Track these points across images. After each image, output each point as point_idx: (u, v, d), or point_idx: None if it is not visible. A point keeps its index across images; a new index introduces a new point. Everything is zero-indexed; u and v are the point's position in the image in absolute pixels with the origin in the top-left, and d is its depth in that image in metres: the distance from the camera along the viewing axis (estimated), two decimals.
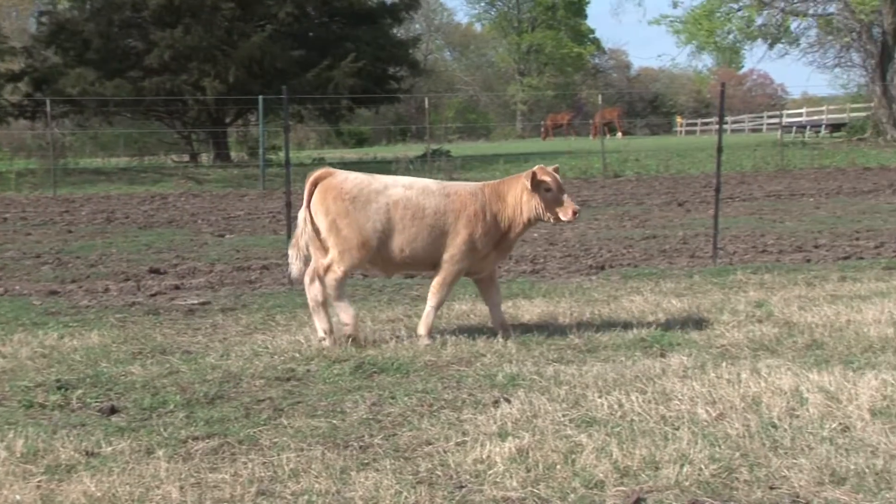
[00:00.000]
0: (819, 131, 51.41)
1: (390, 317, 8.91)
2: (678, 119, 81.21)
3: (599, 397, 6.03)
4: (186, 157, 38.59)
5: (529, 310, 9.08)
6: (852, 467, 4.80)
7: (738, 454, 5.01)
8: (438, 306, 7.96)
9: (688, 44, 42.40)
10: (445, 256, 7.79)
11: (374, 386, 6.56)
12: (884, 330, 7.77)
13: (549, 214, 7.90)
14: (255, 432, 5.55)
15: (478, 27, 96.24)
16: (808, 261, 12.29)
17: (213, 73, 33.35)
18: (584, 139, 56.80)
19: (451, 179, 27.75)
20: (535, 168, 7.95)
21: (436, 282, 7.90)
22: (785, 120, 53.77)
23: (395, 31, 40.98)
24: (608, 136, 47.14)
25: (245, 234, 16.87)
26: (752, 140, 45.88)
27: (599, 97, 42.76)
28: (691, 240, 14.54)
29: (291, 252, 7.95)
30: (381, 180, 7.85)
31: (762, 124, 68.08)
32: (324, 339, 7.73)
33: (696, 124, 77.61)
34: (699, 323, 8.32)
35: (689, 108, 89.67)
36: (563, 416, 5.72)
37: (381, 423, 5.74)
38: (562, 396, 6.11)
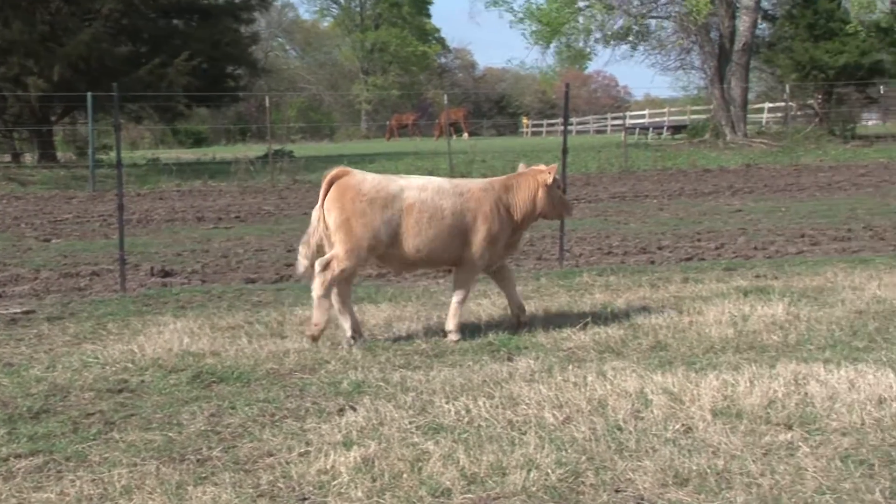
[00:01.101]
0: (661, 133, 53.14)
1: (230, 323, 8.76)
2: (524, 120, 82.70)
3: (447, 403, 6.07)
4: (8, 157, 36.99)
5: (375, 314, 9.07)
6: (695, 468, 4.97)
7: (584, 458, 5.12)
8: (464, 302, 8.32)
9: (536, 41, 43.05)
10: (468, 254, 8.16)
11: (213, 396, 6.44)
12: (724, 330, 8.08)
13: (558, 210, 8.71)
14: (83, 448, 5.36)
15: (323, 24, 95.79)
16: (652, 262, 12.67)
17: (35, 69, 32.06)
18: (429, 140, 57.19)
19: (295, 181, 27.52)
20: (553, 166, 8.55)
21: (460, 279, 8.28)
22: (628, 121, 55.39)
23: (235, 28, 40.31)
24: (454, 137, 47.58)
25: (73, 238, 16.29)
26: (596, 141, 47.10)
27: (445, 97, 43.13)
28: (538, 242, 14.80)
29: (301, 249, 8.12)
30: (397, 182, 8.08)
31: (606, 125, 69.95)
32: (353, 338, 7.95)
33: (541, 125, 79.17)
34: (547, 325, 8.47)
35: (534, 108, 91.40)
36: (410, 423, 5.73)
37: (220, 435, 5.63)
38: (408, 403, 6.13)
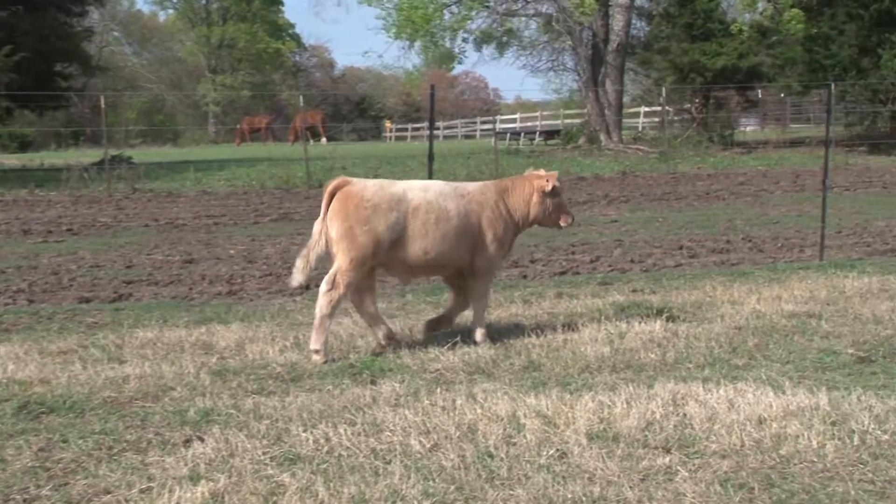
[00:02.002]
0: (534, 138, 53.97)
1: (62, 348, 8.53)
2: (387, 123, 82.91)
3: (304, 431, 6.04)
4: None
5: (226, 336, 8.96)
6: (569, 496, 5.06)
7: (453, 487, 5.16)
8: (485, 308, 8.82)
9: (399, 37, 43.09)
10: (480, 258, 8.63)
11: (42, 428, 6.26)
12: (600, 349, 8.25)
13: (553, 218, 9.02)
14: None
15: (163, 16, 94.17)
16: (525, 277, 12.84)
17: None
18: (284, 145, 56.82)
19: (134, 190, 26.95)
20: (552, 172, 8.99)
21: (476, 289, 8.72)
22: (499, 126, 56.08)
23: (66, 21, 39.32)
24: (311, 142, 47.37)
25: None
26: (465, 147, 47.49)
27: (301, 98, 42.89)
28: None
29: (298, 263, 8.40)
30: (398, 185, 8.47)
31: (476, 130, 70.72)
32: (389, 340, 8.41)
33: (406, 129, 79.48)
34: (412, 346, 8.51)
35: (398, 111, 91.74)
36: (264, 453, 5.69)
37: (49, 472, 5.48)
38: (262, 432, 6.07)
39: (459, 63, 50.14)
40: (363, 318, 8.59)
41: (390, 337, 8.47)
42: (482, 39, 44.65)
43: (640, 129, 51.44)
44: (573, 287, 11.70)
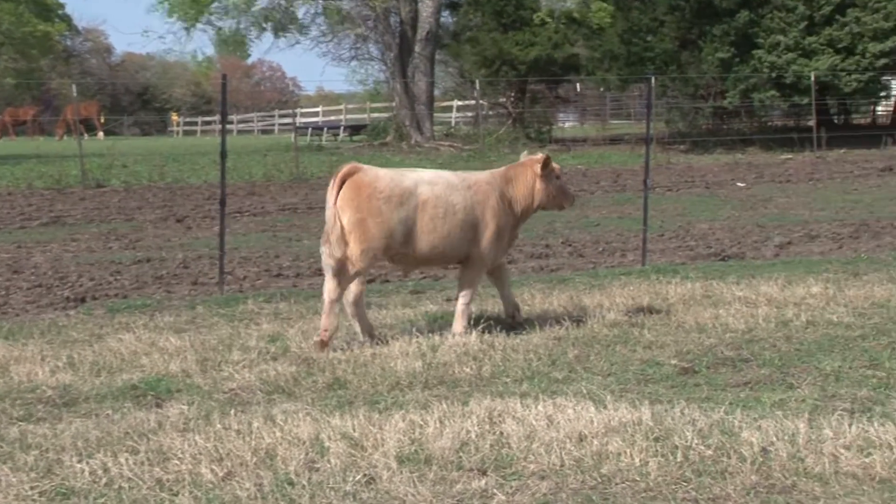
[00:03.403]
0: (338, 134, 53.92)
1: None
2: (174, 117, 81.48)
3: (79, 462, 5.87)
4: None
5: None
6: None
7: None
8: (471, 301, 9.50)
9: (174, 15, 42.18)
10: (477, 250, 9.31)
11: None
12: (412, 363, 8.29)
13: (557, 201, 9.87)
14: None
15: None
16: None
17: None
18: (53, 140, 55.15)
19: None
20: (546, 154, 9.79)
21: (467, 278, 9.43)
22: (299, 120, 55.85)
23: None
24: (85, 137, 46.09)
25: None
26: (262, 143, 47.17)
27: (74, 88, 41.67)
28: (193, 263, 14.60)
29: (324, 249, 8.92)
30: (409, 177, 9.11)
31: (274, 125, 70.20)
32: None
33: (195, 123, 78.34)
34: (204, 364, 8.38)
35: (186, 103, 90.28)
36: (32, 488, 5.52)
37: None
38: (30, 464, 5.89)
39: (249, 50, 49.61)
40: (347, 308, 9.07)
41: (370, 333, 9.12)
42: (276, 26, 44.17)
43: (452, 124, 52.11)
44: (382, 296, 11.74)
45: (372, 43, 47.68)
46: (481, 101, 44.32)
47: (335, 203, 8.84)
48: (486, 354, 8.58)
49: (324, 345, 8.77)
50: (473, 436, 6.29)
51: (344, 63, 57.98)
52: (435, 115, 46.99)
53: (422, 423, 6.51)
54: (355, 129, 53.38)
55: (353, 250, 8.77)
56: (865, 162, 32.00)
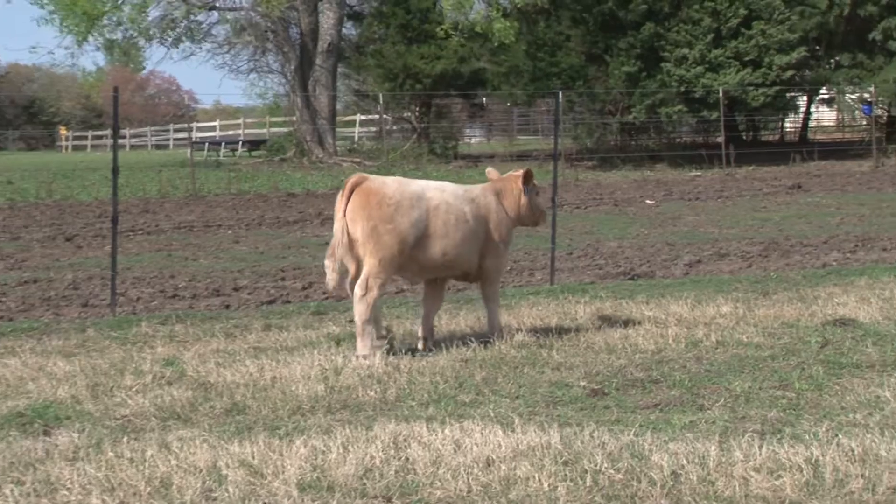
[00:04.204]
0: (236, 149, 53.56)
1: None
2: (62, 131, 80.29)
3: None
4: None
5: None
6: None
7: None
8: (498, 305, 10.22)
9: (65, 29, 41.51)
10: (489, 263, 9.85)
11: None
12: (314, 387, 8.25)
13: (535, 218, 10.33)
14: None
15: None
16: (228, 307, 12.72)
17: None
18: None
19: None
20: (528, 168, 10.23)
21: (489, 290, 10.01)
22: (196, 135, 55.39)
23: None
24: None
25: None
26: (157, 158, 46.70)
27: None
28: (83, 284, 14.40)
29: (328, 263, 9.33)
30: (416, 183, 9.57)
31: (169, 139, 69.61)
32: (384, 337, 9.41)
33: (85, 138, 77.30)
34: (94, 389, 8.26)
35: (76, 117, 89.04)
36: None
37: None
38: None
39: (143, 62, 49.09)
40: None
41: (389, 338, 9.58)
42: (170, 36, 43.71)
43: (356, 139, 51.99)
44: (283, 318, 11.68)
45: (271, 55, 47.55)
46: (385, 116, 44.36)
47: (344, 214, 9.20)
48: (391, 377, 8.57)
49: (370, 359, 9.02)
50: (378, 462, 6.28)
51: (242, 76, 57.77)
52: (337, 129, 46.86)
53: (324, 448, 6.48)
54: (254, 144, 53.08)
55: (371, 263, 9.15)
56: (774, 179, 32.66)
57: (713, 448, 6.34)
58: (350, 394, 8.13)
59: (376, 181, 9.39)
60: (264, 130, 58.16)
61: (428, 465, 6.24)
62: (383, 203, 9.15)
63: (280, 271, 15.58)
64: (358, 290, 9.16)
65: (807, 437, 6.63)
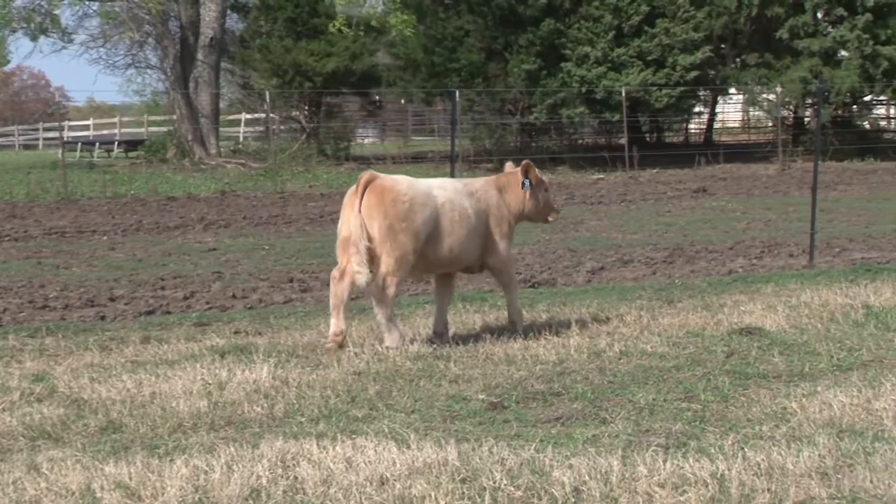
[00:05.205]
0: (112, 150, 52.84)
1: None
2: None
3: None
4: None
5: None
6: None
7: None
8: (517, 296, 10.88)
9: None
10: (495, 258, 10.55)
11: None
12: (196, 403, 8.18)
13: (544, 213, 11.02)
14: None
15: None
16: (103, 318, 12.56)
17: None
18: None
19: None
20: (527, 161, 10.90)
21: (504, 280, 10.79)
22: (68, 134, 54.49)
23: None
24: None
25: None
26: (25, 159, 45.94)
27: None
28: None
29: (355, 258, 9.70)
30: (422, 181, 10.29)
31: (38, 139, 68.47)
32: (339, 336, 9.93)
33: None
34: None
35: None
36: None
37: None
38: None
39: (8, 56, 48.17)
40: (332, 300, 9.99)
41: (342, 333, 9.97)
42: (36, 28, 42.90)
43: (240, 139, 51.62)
44: (163, 329, 11.58)
45: (150, 49, 46.98)
46: (272, 115, 44.07)
47: (359, 210, 9.72)
48: (279, 392, 8.53)
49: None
50: (265, 482, 6.24)
51: (119, 71, 57.02)
52: (221, 129, 46.52)
53: (207, 468, 6.43)
54: (132, 144, 52.45)
55: (387, 261, 9.78)
56: (679, 182, 33.13)
57: (616, 463, 6.41)
58: (235, 410, 8.08)
59: (388, 179, 10.07)
60: (142, 130, 57.52)
61: (318, 484, 6.22)
62: (398, 201, 9.80)
63: (160, 280, 15.43)
64: (375, 289, 9.78)
65: (712, 450, 6.72)
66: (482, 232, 10.38)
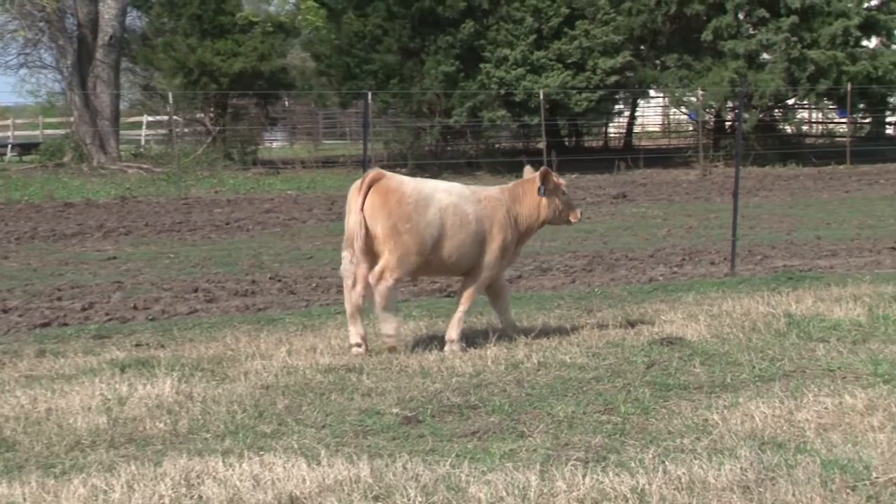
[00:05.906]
0: (4, 153, 52.13)
1: None
2: None
3: None
4: None
5: None
6: None
7: None
8: (468, 311, 10.88)
9: None
10: (483, 263, 10.67)
11: None
12: (95, 419, 8.11)
13: (563, 216, 11.24)
14: None
15: None
16: None
17: None
18: None
19: None
20: (545, 167, 11.16)
21: (470, 289, 10.76)
22: None
23: None
24: None
25: None
26: None
27: None
28: None
29: (346, 254, 10.31)
30: (427, 184, 10.65)
31: None
32: (359, 345, 10.31)
33: None
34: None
35: None
36: None
37: None
38: None
39: None
40: (348, 308, 10.40)
41: (364, 340, 10.38)
42: None
43: (142, 143, 51.18)
44: (60, 342, 11.47)
45: (44, 48, 46.33)
46: (175, 117, 43.72)
47: (361, 208, 10.09)
48: (183, 407, 8.49)
49: (394, 348, 10.31)
50: (167, 501, 6.21)
51: (11, 71, 56.12)
52: (121, 132, 46.03)
53: (106, 488, 6.38)
54: (26, 147, 51.70)
55: (389, 259, 10.12)
56: (598, 188, 33.35)
57: (534, 478, 6.45)
58: (136, 426, 8.02)
59: (394, 179, 10.44)
60: (37, 132, 56.70)
61: (224, 503, 6.19)
62: (402, 201, 10.15)
63: (56, 290, 15.25)
64: (373, 279, 10.09)
65: (632, 464, 6.79)
66: (480, 239, 10.59)
